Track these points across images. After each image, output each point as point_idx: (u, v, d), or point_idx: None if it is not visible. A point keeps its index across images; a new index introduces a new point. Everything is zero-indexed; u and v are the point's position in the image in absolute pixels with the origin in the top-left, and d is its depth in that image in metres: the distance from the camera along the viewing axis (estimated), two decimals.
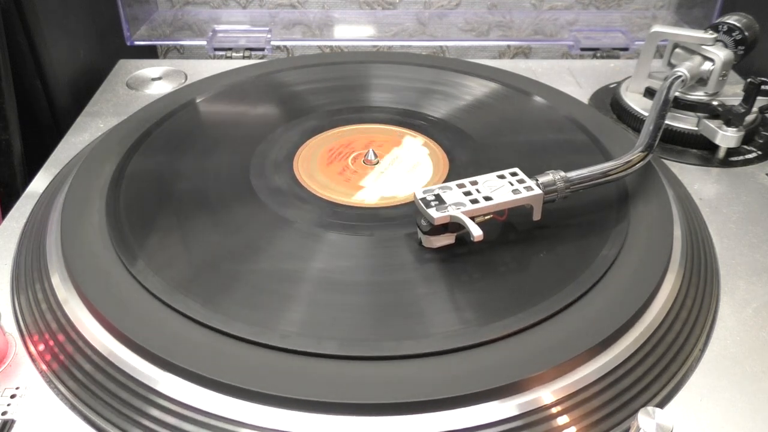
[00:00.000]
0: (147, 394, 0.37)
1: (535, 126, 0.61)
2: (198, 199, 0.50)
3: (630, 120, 0.66)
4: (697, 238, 0.49)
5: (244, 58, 0.82)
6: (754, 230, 0.52)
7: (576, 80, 0.76)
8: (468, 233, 0.42)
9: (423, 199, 0.44)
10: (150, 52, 0.98)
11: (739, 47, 0.63)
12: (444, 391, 0.35)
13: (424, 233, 0.44)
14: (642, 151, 0.50)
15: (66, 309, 0.42)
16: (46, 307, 0.43)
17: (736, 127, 0.59)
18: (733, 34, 0.63)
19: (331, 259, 0.45)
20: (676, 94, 0.61)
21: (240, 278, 0.43)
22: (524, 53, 1.03)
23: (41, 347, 0.41)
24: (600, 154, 0.55)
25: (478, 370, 0.37)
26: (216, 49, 0.83)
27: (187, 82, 0.74)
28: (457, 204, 0.43)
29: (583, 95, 0.72)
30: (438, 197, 0.44)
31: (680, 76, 0.60)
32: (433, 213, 0.43)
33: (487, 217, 0.45)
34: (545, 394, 0.37)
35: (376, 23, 0.94)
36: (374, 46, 0.98)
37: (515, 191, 0.45)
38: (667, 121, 0.58)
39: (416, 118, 0.62)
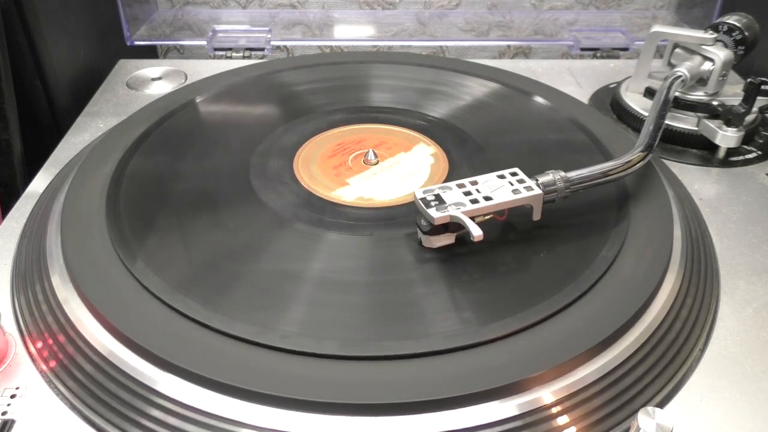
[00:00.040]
0: (147, 394, 0.37)
1: (535, 126, 0.61)
2: (198, 199, 0.50)
3: (630, 120, 0.66)
4: (697, 238, 0.49)
5: (244, 58, 0.82)
6: (754, 230, 0.52)
7: (576, 80, 0.76)
8: (468, 233, 0.42)
9: (423, 199, 0.44)
10: (150, 52, 0.98)
11: (739, 47, 0.63)
12: (444, 391, 0.35)
13: (424, 233, 0.44)
14: (642, 151, 0.50)
15: (66, 309, 0.42)
16: (46, 308, 0.43)
17: (736, 127, 0.59)
18: (733, 34, 0.63)
19: (331, 259, 0.45)
20: (676, 94, 0.61)
21: (240, 278, 0.43)
22: (524, 53, 1.03)
23: (41, 347, 0.41)
24: (600, 154, 0.55)
25: (478, 370, 0.37)
26: (216, 49, 0.83)
27: (187, 82, 0.74)
28: (457, 204, 0.43)
29: (583, 95, 0.72)
30: (438, 197, 0.44)
31: (680, 76, 0.60)
32: (433, 213, 0.43)
33: (487, 217, 0.45)
34: (545, 394, 0.37)
35: (376, 23, 0.94)
36: (374, 46, 0.98)
37: (515, 191, 0.45)
38: (667, 121, 0.58)
39: (416, 118, 0.62)
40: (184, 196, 0.51)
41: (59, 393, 0.39)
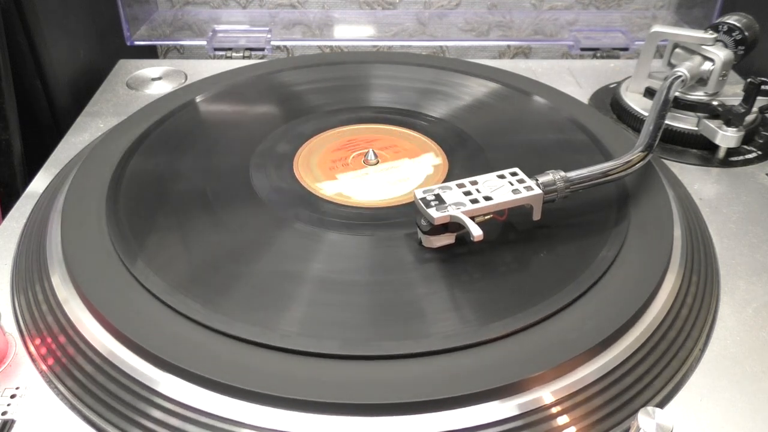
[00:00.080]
0: (147, 394, 0.37)
1: (535, 126, 0.61)
2: (198, 199, 0.50)
3: (630, 120, 0.66)
4: (697, 238, 0.49)
5: (244, 58, 0.82)
6: (754, 230, 0.52)
7: (576, 80, 0.76)
8: (468, 233, 0.42)
9: (423, 199, 0.44)
10: (150, 52, 0.98)
11: (739, 47, 0.63)
12: (444, 391, 0.35)
13: (424, 233, 0.44)
14: (642, 151, 0.50)
15: (66, 309, 0.42)
16: (47, 308, 0.43)
17: (736, 127, 0.59)
18: (733, 34, 0.63)
19: (331, 259, 0.45)
20: (676, 94, 0.61)
21: (240, 278, 0.43)
22: (524, 53, 1.03)
23: (41, 347, 0.41)
24: (600, 154, 0.55)
25: (478, 370, 0.37)
26: (216, 49, 0.83)
27: (187, 82, 0.74)
28: (457, 204, 0.43)
29: (583, 95, 0.72)
30: (438, 197, 0.44)
31: (680, 76, 0.60)
32: (433, 213, 0.43)
33: (487, 217, 0.45)
34: (545, 394, 0.37)
35: (376, 23, 0.94)
36: (374, 46, 0.98)
37: (515, 191, 0.45)
38: (667, 121, 0.58)
39: (416, 118, 0.62)
40: (184, 196, 0.51)
41: (59, 393, 0.39)
